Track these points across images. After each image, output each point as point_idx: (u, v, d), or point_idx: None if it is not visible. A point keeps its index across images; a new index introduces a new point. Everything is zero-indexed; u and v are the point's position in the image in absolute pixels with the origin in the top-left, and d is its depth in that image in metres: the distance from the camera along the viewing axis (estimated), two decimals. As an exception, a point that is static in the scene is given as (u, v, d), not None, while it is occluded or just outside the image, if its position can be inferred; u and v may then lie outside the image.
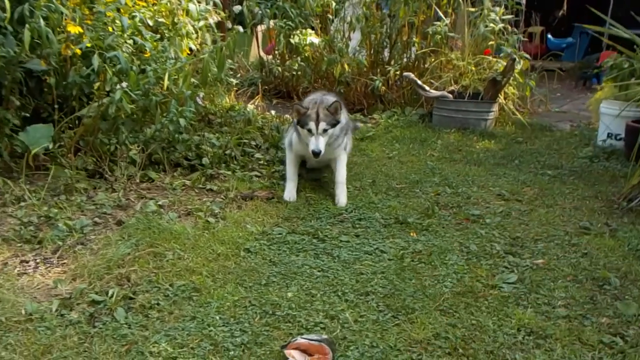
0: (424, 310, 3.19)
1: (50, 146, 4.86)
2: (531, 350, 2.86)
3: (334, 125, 4.52)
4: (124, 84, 4.84)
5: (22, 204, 4.37)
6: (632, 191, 4.88)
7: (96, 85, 5.00)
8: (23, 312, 3.02)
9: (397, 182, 5.35)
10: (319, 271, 3.60)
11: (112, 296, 3.18)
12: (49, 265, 3.59)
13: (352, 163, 5.88)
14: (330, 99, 4.70)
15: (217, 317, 3.04)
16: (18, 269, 3.52)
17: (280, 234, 4.14)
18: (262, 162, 5.70)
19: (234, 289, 3.33)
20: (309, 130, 4.42)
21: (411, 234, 4.22)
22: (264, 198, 4.79)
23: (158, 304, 3.17)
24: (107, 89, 4.94)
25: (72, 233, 3.95)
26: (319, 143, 4.40)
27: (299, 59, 8.77)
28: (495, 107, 7.49)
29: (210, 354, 2.76)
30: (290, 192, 4.77)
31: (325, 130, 4.44)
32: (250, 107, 7.03)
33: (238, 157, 5.62)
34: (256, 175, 5.34)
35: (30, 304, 3.05)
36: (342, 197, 4.73)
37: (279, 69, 9.13)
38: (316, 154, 4.41)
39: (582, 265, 3.75)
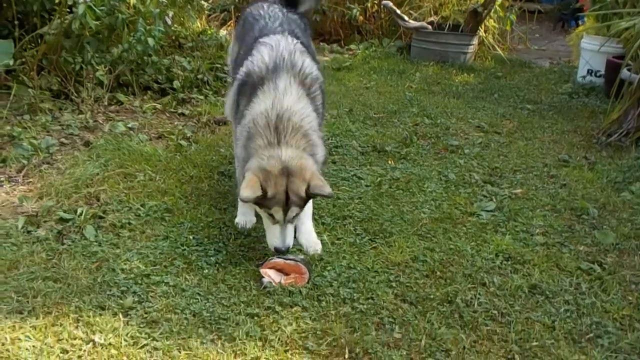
0: (401, 234, 3.12)
1: (11, 63, 4.59)
2: (509, 275, 2.83)
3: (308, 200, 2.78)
4: (88, -1, 4.56)
5: (-20, 122, 4.15)
6: (611, 126, 4.85)
7: (57, -1, 4.70)
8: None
9: (374, 111, 5.24)
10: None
11: (81, 214, 3.05)
12: (14, 183, 3.43)
13: (329, 92, 5.69)
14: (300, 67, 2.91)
15: (191, 237, 2.94)
16: (-22, 186, 3.36)
17: (255, 158, 4.01)
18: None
19: (208, 210, 3.22)
20: (271, 216, 2.67)
21: (389, 162, 4.13)
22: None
23: (129, 223, 3.05)
24: (69, 3, 4.65)
25: (37, 152, 3.77)
26: (286, 236, 2.70)
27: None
28: (475, 41, 7.36)
29: (184, 272, 2.67)
30: (244, 214, 3.10)
31: (296, 216, 2.75)
32: (222, 32, 6.77)
33: (210, 82, 5.43)
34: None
35: (-10, 220, 2.91)
36: (311, 240, 2.96)
37: (253, -5, 8.77)
38: (281, 252, 2.71)
39: (561, 195, 3.72)
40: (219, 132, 4.46)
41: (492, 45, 7.59)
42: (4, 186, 3.38)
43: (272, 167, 2.60)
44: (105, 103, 4.79)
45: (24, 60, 4.80)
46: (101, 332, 2.23)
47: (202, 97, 5.16)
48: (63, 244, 2.82)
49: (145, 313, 2.37)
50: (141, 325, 2.30)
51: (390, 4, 7.37)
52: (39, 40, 4.89)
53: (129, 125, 4.36)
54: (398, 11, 7.29)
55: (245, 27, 3.43)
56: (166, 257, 2.77)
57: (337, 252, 2.90)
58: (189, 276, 2.64)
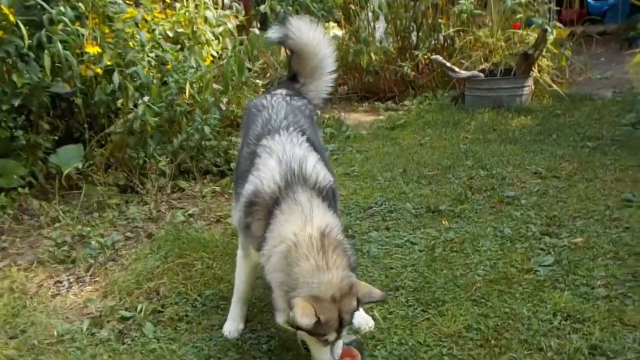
0: (454, 301, 3.09)
1: (81, 165, 4.96)
2: (567, 336, 2.73)
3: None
4: (146, 98, 4.89)
5: (57, 224, 4.46)
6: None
7: (119, 102, 5.06)
8: (55, 333, 3.07)
9: (428, 169, 5.23)
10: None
11: (140, 311, 3.21)
12: (81, 284, 3.66)
13: (383, 153, 5.80)
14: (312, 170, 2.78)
15: (242, 326, 3.03)
16: (52, 290, 3.60)
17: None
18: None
19: (262, 294, 3.30)
20: (325, 341, 2.51)
21: (443, 223, 4.11)
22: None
23: (186, 315, 3.18)
24: (130, 104, 5.00)
25: (103, 250, 4.01)
26: (336, 348, 2.57)
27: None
28: (530, 82, 7.25)
29: (237, 364, 2.75)
30: (234, 321, 3.03)
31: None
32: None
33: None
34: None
35: (61, 325, 3.11)
36: (362, 318, 2.99)
37: (307, 65, 9.05)
38: None
39: (624, 240, 3.58)
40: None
41: (548, 84, 7.44)
42: (73, 288, 3.61)
43: (325, 294, 2.44)
44: (168, 191, 5.04)
45: (93, 160, 5.17)
46: None
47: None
48: (124, 343, 2.97)
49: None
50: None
51: (440, 58, 7.42)
52: (107, 140, 5.26)
53: (189, 212, 4.56)
54: (448, 64, 7.33)
55: (250, 118, 3.27)
56: (220, 348, 2.86)
57: (389, 328, 2.91)
58: (245, 366, 2.71)
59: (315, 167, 2.78)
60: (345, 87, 8.99)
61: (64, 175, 4.88)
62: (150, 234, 4.26)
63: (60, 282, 3.70)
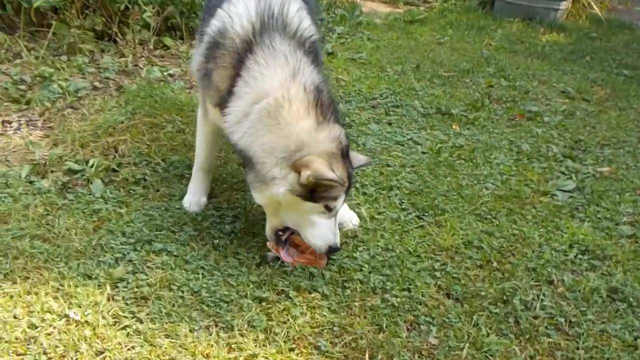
0: (455, 212, 2.64)
1: (56, 2, 4.31)
2: (584, 272, 2.30)
3: None
4: None
5: (18, 61, 3.89)
6: None
7: None
8: (-19, 174, 2.60)
9: (444, 69, 4.66)
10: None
11: (92, 166, 2.72)
12: (32, 127, 3.15)
13: (396, 46, 5.19)
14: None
15: (206, 199, 2.57)
16: (-5, 129, 3.10)
17: (300, 114, 3.58)
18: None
19: (236, 170, 2.83)
20: (327, 208, 2.15)
21: (453, 127, 3.60)
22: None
23: (144, 180, 2.71)
24: None
25: (65, 95, 3.47)
26: (337, 229, 2.23)
27: None
28: (569, -3, 6.55)
29: (193, 240, 2.30)
30: (195, 193, 2.56)
31: None
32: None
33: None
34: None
35: (-5, 167, 2.62)
36: (346, 214, 2.52)
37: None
38: (338, 249, 2.21)
39: (657, 177, 3.11)
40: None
41: (587, 3, 6.74)
42: (22, 130, 3.10)
43: (337, 149, 2.12)
44: (151, 47, 4.45)
45: (70, -2, 4.53)
46: (79, 307, 1.90)
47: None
48: (65, 197, 2.50)
49: (137, 287, 2.02)
50: (128, 302, 1.95)
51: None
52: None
53: (170, 72, 4.01)
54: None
55: None
56: (176, 221, 2.41)
57: (375, 230, 2.46)
58: (197, 245, 2.27)
59: (298, 13, 2.28)
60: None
61: (34, 8, 4.24)
62: (121, 86, 3.72)
63: (9, 122, 3.19)
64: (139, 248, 2.21)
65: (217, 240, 2.30)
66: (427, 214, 2.60)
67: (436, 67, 4.70)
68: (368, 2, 7.18)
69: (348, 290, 2.09)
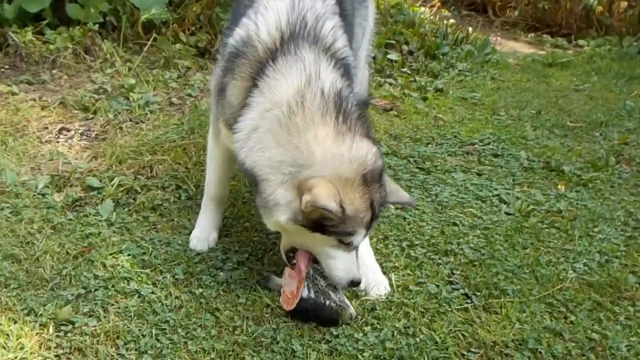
0: (518, 297, 2.04)
1: (163, 15, 4.27)
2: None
3: None
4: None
5: (109, 70, 3.85)
6: None
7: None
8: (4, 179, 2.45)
9: (572, 119, 3.94)
10: (397, 209, 2.56)
11: (114, 185, 2.48)
12: (84, 138, 3.01)
13: (522, 88, 4.55)
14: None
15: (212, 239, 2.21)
16: (50, 136, 3.00)
17: (375, 153, 3.13)
18: (403, 68, 4.60)
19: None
20: (343, 244, 1.80)
21: (559, 187, 2.95)
22: (381, 108, 3.77)
23: (162, 206, 2.42)
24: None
25: (133, 108, 3.33)
26: (359, 263, 1.89)
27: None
28: None
29: (176, 285, 1.95)
30: (204, 228, 2.23)
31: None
32: (423, 9, 5.86)
33: (376, 58, 4.58)
34: (389, 83, 4.29)
35: (10, 174, 2.46)
36: (376, 277, 2.05)
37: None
38: (359, 284, 1.88)
39: None
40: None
41: None
42: (73, 140, 2.99)
43: (355, 172, 1.74)
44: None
45: (183, 13, 4.49)
46: (3, 348, 1.61)
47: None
48: (65, 215, 2.28)
49: (80, 334, 1.70)
50: (58, 352, 1.63)
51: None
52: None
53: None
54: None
55: None
56: (169, 259, 2.07)
57: (401, 305, 1.94)
58: (177, 292, 1.90)
59: (333, 31, 1.93)
60: (515, 12, 7.53)
61: (142, 20, 4.24)
62: (196, 106, 3.52)
63: (68, 130, 3.10)
64: (109, 286, 1.90)
65: (202, 290, 1.92)
66: (478, 294, 2.03)
67: (562, 115, 4.00)
68: (510, 41, 6.56)
69: (328, 385, 1.61)
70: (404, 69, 4.61)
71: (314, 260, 1.86)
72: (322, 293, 1.79)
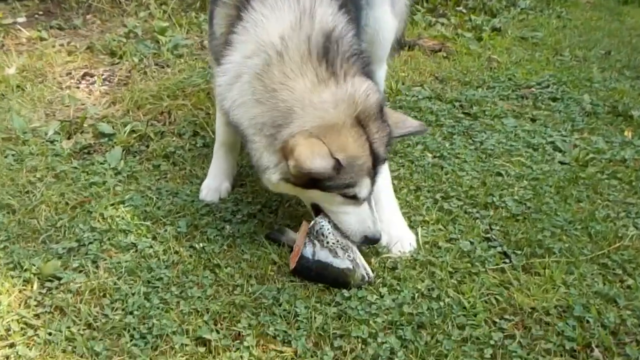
0: (566, 256, 1.75)
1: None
2: None
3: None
4: None
5: (142, 14, 3.69)
6: None
7: None
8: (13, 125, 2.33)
9: (647, 59, 3.52)
10: (435, 157, 2.30)
11: (126, 132, 2.33)
12: (106, 83, 2.87)
13: (591, 27, 4.13)
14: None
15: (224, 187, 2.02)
16: (71, 82, 2.87)
17: (417, 96, 2.85)
18: (459, 7, 4.23)
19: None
20: (350, 197, 1.59)
21: (625, 133, 2.60)
22: (429, 49, 3.46)
23: (176, 154, 2.25)
24: None
25: (160, 51, 3.17)
26: (376, 217, 1.67)
27: None
28: None
29: (177, 238, 1.77)
30: (216, 176, 2.02)
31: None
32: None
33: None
34: (440, 23, 3.94)
35: (18, 119, 2.34)
36: (400, 232, 1.80)
37: None
38: (376, 241, 1.67)
39: None
40: (397, 60, 3.29)
41: None
42: (94, 85, 2.85)
43: (342, 116, 1.52)
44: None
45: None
46: (-16, 302, 1.48)
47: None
48: (71, 163, 2.14)
49: (63, 291, 1.56)
50: (37, 310, 1.51)
51: None
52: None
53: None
54: None
55: None
56: (174, 210, 1.90)
57: (427, 264, 1.70)
58: (177, 247, 1.73)
59: None
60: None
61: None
62: (227, 49, 3.31)
63: (91, 75, 2.96)
64: (105, 239, 1.75)
65: (204, 245, 1.74)
66: (518, 252, 1.76)
67: (636, 56, 3.59)
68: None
69: (333, 353, 1.40)
70: (459, 8, 4.24)
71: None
72: (330, 251, 1.57)
